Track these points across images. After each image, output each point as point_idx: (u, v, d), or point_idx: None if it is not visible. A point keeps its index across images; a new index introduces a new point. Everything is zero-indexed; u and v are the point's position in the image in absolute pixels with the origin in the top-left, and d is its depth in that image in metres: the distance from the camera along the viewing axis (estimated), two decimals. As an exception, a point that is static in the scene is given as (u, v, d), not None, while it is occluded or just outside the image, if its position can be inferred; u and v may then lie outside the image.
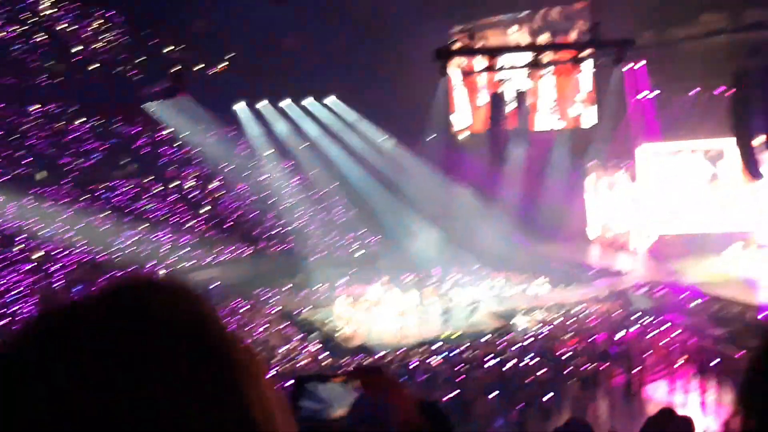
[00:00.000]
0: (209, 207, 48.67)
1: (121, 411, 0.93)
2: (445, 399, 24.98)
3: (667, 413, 4.97)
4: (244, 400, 1.02)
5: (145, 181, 49.00)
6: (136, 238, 43.17)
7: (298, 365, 29.62)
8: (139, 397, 0.94)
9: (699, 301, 32.13)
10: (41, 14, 53.54)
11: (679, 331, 29.72)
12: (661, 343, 28.84)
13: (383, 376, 1.86)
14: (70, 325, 1.00)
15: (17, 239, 39.81)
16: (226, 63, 54.12)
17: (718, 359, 24.77)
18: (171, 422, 0.95)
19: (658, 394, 26.22)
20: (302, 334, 34.81)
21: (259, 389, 1.06)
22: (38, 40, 52.71)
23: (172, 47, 54.35)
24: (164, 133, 51.77)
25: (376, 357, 30.48)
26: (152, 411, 0.94)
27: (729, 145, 30.54)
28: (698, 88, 40.07)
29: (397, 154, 49.95)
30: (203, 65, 54.18)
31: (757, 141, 26.82)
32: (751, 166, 27.45)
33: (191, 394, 0.97)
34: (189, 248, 43.58)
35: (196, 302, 1.09)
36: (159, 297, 1.05)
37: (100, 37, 54.59)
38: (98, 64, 53.11)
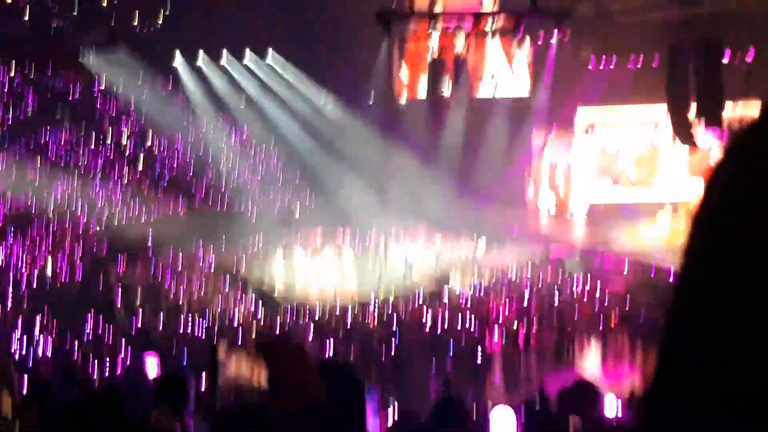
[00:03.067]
0: (145, 162, 47.96)
1: None
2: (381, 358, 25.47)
3: (581, 384, 5.25)
4: None
5: (79, 134, 48.10)
6: (69, 191, 42.43)
7: (234, 322, 29.70)
8: None
9: (631, 267, 32.90)
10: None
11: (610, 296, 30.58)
12: (593, 308, 29.63)
13: (284, 347, 1.84)
14: None
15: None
16: (163, 15, 53.19)
17: (651, 325, 25.47)
18: None
19: (588, 357, 26.95)
20: (239, 291, 34.82)
21: None
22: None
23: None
24: (99, 85, 50.80)
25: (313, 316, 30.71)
26: None
27: (664, 114, 31.13)
28: (635, 59, 40.79)
29: (337, 115, 49.84)
30: (139, 16, 53.18)
31: (692, 112, 27.46)
32: (686, 137, 28.13)
33: None
34: (123, 203, 42.99)
35: None
36: None
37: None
38: (28, 11, 51.79)
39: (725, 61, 30.07)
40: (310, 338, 26.58)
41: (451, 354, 26.12)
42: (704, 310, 0.74)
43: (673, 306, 0.79)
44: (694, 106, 27.47)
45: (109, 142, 48.51)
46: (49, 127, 47.38)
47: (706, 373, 0.72)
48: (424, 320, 29.07)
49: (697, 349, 0.74)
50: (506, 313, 29.53)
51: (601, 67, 42.45)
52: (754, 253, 0.69)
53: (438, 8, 45.06)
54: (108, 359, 23.32)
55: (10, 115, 46.92)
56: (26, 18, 51.91)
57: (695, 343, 0.75)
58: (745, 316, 0.70)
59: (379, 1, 37.02)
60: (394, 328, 28.43)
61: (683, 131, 28.08)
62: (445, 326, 28.63)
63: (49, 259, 34.82)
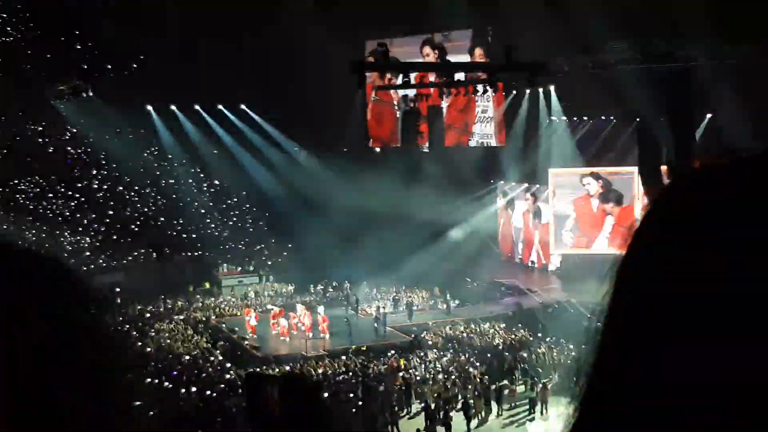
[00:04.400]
0: (115, 210, 47.33)
1: None
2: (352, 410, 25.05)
3: None
4: None
5: (49, 180, 47.41)
6: (38, 238, 41.70)
7: (203, 375, 29.14)
8: None
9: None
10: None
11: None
12: (567, 362, 29.42)
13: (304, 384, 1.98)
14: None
15: None
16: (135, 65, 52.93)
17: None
18: None
19: (560, 411, 26.63)
20: (208, 344, 34.19)
21: None
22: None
23: (80, 46, 52.90)
24: (70, 132, 50.30)
25: (284, 368, 30.22)
26: None
27: (635, 171, 31.37)
28: (606, 115, 41.12)
29: (309, 164, 49.69)
30: (112, 66, 52.89)
31: (663, 169, 27.57)
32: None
33: None
34: (92, 251, 42.32)
35: None
36: None
37: (4, 30, 52.77)
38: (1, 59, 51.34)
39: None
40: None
41: (424, 407, 25.77)
42: (623, 339, 0.78)
43: (600, 339, 0.82)
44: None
45: (78, 188, 47.83)
46: (17, 173, 46.67)
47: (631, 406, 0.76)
48: (396, 373, 28.74)
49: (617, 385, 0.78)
50: (477, 366, 29.32)
51: (573, 122, 42.84)
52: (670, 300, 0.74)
53: (413, 59, 45.27)
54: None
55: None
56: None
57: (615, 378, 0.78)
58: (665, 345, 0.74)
59: (353, 53, 37.14)
60: (364, 380, 28.04)
61: (653, 189, 28.22)
62: (417, 379, 28.35)
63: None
